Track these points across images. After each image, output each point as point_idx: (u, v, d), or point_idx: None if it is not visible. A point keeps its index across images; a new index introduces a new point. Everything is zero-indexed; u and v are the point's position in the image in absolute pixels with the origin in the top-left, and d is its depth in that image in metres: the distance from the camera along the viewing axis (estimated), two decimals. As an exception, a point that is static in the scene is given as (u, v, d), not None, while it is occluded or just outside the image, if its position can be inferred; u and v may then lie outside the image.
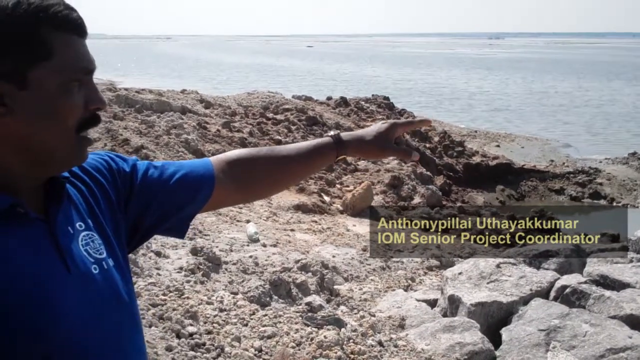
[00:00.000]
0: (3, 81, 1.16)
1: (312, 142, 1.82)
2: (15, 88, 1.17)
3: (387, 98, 19.73)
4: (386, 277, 8.06)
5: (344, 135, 1.82)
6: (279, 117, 15.77)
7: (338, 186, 13.49)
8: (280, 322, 5.11)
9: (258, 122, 15.06)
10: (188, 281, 5.95)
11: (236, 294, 5.60)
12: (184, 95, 16.66)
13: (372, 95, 20.10)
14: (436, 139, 18.33)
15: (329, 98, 19.29)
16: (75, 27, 1.24)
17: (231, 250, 7.54)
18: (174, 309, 4.85)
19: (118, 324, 1.35)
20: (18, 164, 1.23)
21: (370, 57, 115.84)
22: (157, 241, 7.20)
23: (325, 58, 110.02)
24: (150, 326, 4.40)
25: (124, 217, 1.49)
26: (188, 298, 5.23)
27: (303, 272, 6.73)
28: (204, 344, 4.43)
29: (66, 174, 1.37)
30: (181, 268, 6.29)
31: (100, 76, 46.52)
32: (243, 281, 5.97)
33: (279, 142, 14.31)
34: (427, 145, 17.54)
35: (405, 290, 7.42)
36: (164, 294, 5.19)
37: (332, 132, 1.83)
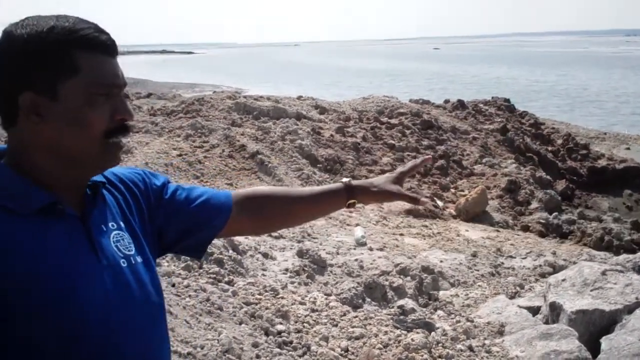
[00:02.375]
0: (38, 94, 1.37)
1: (326, 186, 1.98)
2: (48, 100, 1.37)
3: (507, 100, 19.17)
4: (494, 283, 7.91)
5: (356, 182, 1.95)
6: (393, 121, 15.76)
7: (452, 190, 13.35)
8: (370, 324, 5.18)
9: (372, 126, 15.12)
10: (292, 282, 6.12)
11: (329, 295, 5.71)
12: (299, 101, 16.98)
13: (492, 97, 19.63)
14: (559, 141, 17.70)
15: (446, 101, 19.03)
16: (102, 47, 1.41)
17: (337, 253, 7.65)
18: (266, 308, 5.03)
19: (143, 314, 1.51)
20: (55, 167, 1.42)
21: (498, 58, 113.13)
22: (266, 243, 7.44)
23: (452, 60, 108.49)
24: (240, 323, 4.58)
25: (152, 226, 1.68)
26: (282, 298, 5.39)
27: (401, 276, 6.74)
28: (291, 342, 4.57)
29: (103, 179, 1.58)
30: (287, 269, 6.47)
31: (227, 84, 48.08)
32: (337, 283, 6.07)
33: (392, 147, 14.32)
34: (549, 148, 16.98)
35: (513, 297, 7.27)
36: (259, 294, 5.38)
37: (345, 179, 1.97)
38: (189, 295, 4.69)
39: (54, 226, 1.39)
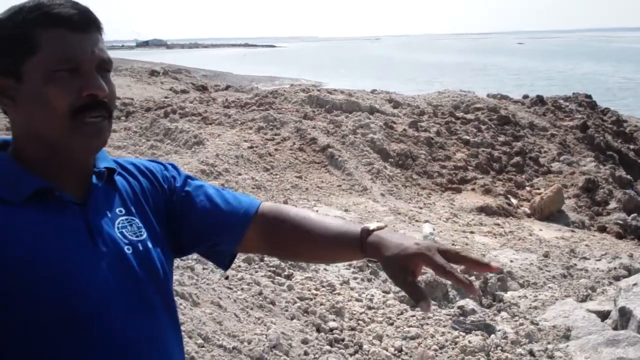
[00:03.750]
0: (5, 77, 1.36)
1: (342, 229, 1.60)
2: (14, 82, 1.36)
3: (589, 96, 18.50)
4: (565, 285, 7.65)
5: (372, 237, 1.51)
6: (468, 116, 15.41)
7: (528, 188, 12.98)
8: (427, 324, 5.06)
9: (446, 121, 14.83)
10: (355, 278, 6.04)
11: (387, 292, 5.61)
12: (373, 95, 16.82)
13: (573, 93, 18.96)
14: (643, 139, 17.03)
15: (525, 97, 18.49)
16: (68, 22, 1.35)
17: (404, 250, 7.52)
18: (321, 304, 4.97)
19: (150, 300, 1.46)
20: (39, 152, 1.39)
21: (584, 54, 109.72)
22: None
23: (536, 55, 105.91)
24: (292, 319, 4.54)
25: (167, 217, 1.62)
26: (338, 294, 5.33)
27: (466, 275, 6.58)
28: (342, 340, 4.50)
29: (114, 166, 1.54)
30: (350, 265, 6.40)
31: (306, 77, 48.29)
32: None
33: (467, 142, 14.03)
34: (631, 146, 16.32)
35: (584, 300, 7.01)
36: (315, 289, 5.33)
37: (370, 225, 1.55)
38: (242, 289, 4.68)
39: (48, 213, 1.36)
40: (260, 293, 4.70)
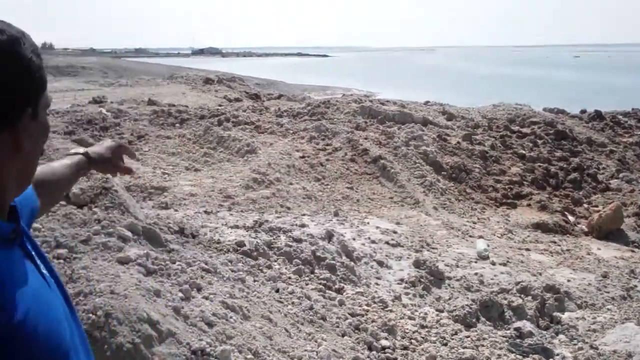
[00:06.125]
0: (24, 115, 1.30)
1: (71, 163, 2.07)
2: (29, 118, 1.31)
3: (649, 111, 18.08)
4: (625, 308, 7.35)
5: (91, 152, 2.14)
6: (524, 130, 15.10)
7: (585, 205, 12.62)
8: (482, 346, 4.88)
9: (501, 135, 14.55)
10: (407, 294, 5.90)
11: (441, 311, 5.44)
12: (426, 107, 16.65)
13: (632, 108, 18.48)
14: None
15: (583, 111, 18.07)
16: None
17: (457, 266, 7.36)
18: (373, 321, 4.84)
19: (78, 326, 1.45)
20: (15, 184, 1.34)
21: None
22: (383, 251, 7.27)
23: (593, 69, 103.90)
24: (343, 335, 4.42)
25: None
26: (391, 311, 5.18)
27: (522, 295, 6.36)
28: (395, 359, 4.36)
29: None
30: (402, 280, 6.26)
31: (358, 87, 48.18)
32: (450, 299, 5.79)
33: (522, 157, 13.72)
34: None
35: (644, 324, 6.72)
36: (367, 305, 5.20)
37: (80, 150, 2.13)
38: (292, 303, 4.58)
39: (17, 253, 1.32)
40: (311, 308, 4.58)
